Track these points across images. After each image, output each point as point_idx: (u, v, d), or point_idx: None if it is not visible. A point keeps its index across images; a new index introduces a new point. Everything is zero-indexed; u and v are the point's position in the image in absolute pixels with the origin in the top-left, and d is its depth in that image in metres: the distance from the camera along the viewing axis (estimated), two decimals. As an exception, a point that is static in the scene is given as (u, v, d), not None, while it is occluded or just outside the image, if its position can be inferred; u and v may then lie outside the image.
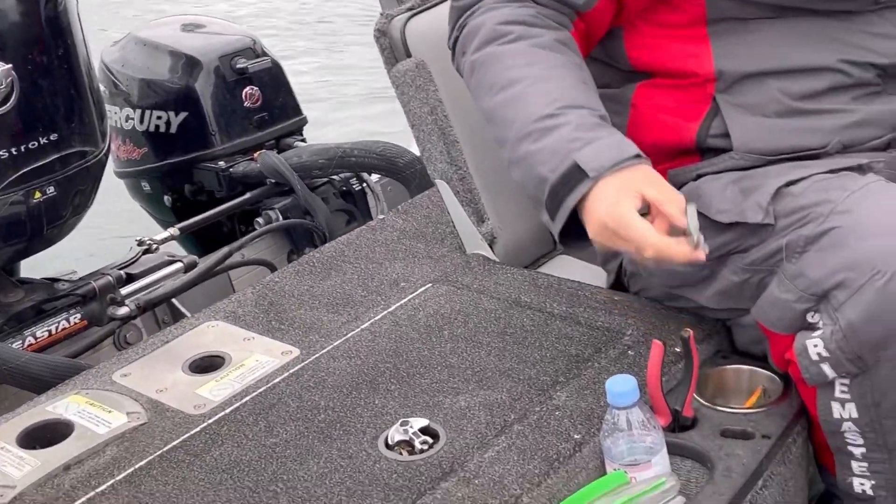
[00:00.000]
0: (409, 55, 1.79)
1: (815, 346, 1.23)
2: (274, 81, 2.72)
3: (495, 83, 1.41)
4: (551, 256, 1.95)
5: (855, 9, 1.40)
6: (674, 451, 1.28)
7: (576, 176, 1.30)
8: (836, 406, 1.28)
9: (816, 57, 1.40)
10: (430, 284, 1.74)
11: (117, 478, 1.32)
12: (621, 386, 1.21)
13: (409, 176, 2.52)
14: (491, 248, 1.84)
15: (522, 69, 1.39)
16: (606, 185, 1.29)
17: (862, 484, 1.33)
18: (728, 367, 1.46)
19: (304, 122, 2.79)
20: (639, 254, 1.27)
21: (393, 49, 1.80)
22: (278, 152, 2.63)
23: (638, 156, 1.31)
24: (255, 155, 2.61)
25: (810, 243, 1.25)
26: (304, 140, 2.76)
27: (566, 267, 1.89)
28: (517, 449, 1.28)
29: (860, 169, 1.36)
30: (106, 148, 2.26)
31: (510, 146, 1.39)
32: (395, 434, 1.32)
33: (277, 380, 1.50)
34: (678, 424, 1.33)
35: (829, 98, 1.42)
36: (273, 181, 2.57)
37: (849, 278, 1.19)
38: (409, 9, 1.82)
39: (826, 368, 1.24)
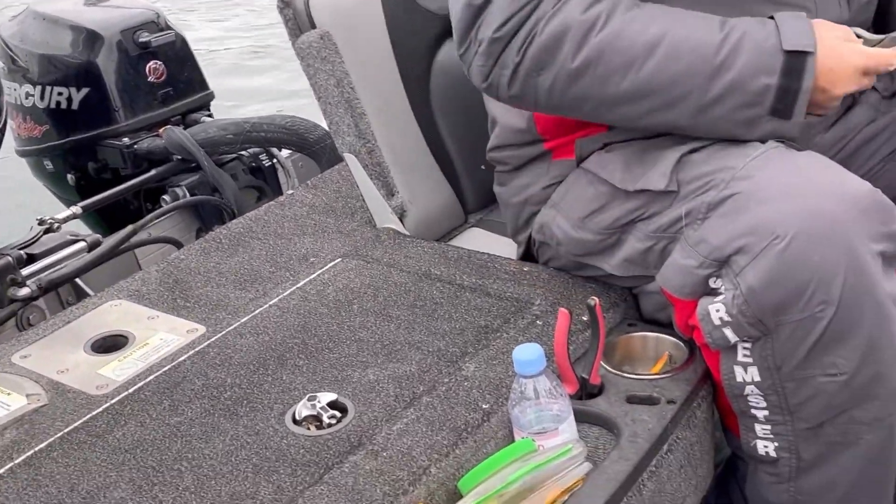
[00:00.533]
0: (313, 26, 1.76)
1: (718, 311, 1.25)
2: (178, 55, 2.66)
3: (633, 59, 1.30)
4: (462, 229, 1.95)
5: None
6: (581, 418, 1.29)
7: (796, 62, 1.27)
8: (738, 370, 1.29)
9: None
10: (339, 259, 1.72)
11: (16, 461, 1.29)
12: (527, 355, 1.21)
13: (319, 151, 2.49)
14: (401, 221, 1.83)
15: (651, 29, 1.30)
16: (824, 45, 1.28)
17: (765, 446, 1.36)
18: (635, 334, 1.48)
19: (212, 96, 2.74)
20: None
21: (297, 20, 1.77)
22: (184, 128, 2.57)
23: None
24: (160, 131, 2.55)
25: (712, 209, 1.26)
26: (210, 115, 2.71)
27: (477, 239, 1.89)
28: (426, 420, 1.27)
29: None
30: (2, 125, 2.19)
31: (696, 95, 1.30)
32: (302, 409, 1.30)
33: (182, 358, 1.47)
34: (585, 392, 1.34)
35: None
36: (179, 157, 2.52)
37: (749, 243, 1.21)
38: (314, -21, 1.80)
39: (728, 333, 1.26)
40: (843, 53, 1.31)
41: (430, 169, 1.90)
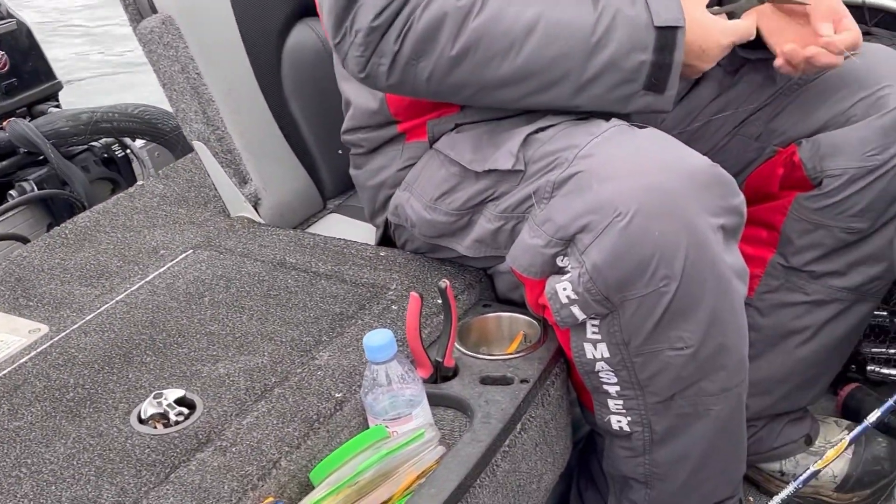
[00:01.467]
0: (154, 11, 1.70)
1: (565, 289, 1.25)
2: (22, 45, 2.54)
3: (512, 42, 1.30)
4: (321, 216, 1.92)
5: None
6: (436, 401, 1.28)
7: (668, 37, 1.29)
8: (588, 347, 1.31)
9: None
10: (191, 251, 1.67)
11: None
12: (377, 341, 1.20)
13: (174, 139, 2.42)
14: (256, 209, 1.80)
15: (527, 12, 1.30)
16: (692, 20, 1.31)
17: (619, 421, 1.37)
18: (489, 314, 1.48)
19: (59, 87, 2.63)
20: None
21: (137, 4, 1.70)
22: (30, 120, 2.46)
23: None
24: (4, 124, 2.44)
25: (557, 188, 1.27)
26: (58, 106, 2.60)
27: (336, 225, 1.87)
28: (277, 413, 1.25)
29: (606, 115, 1.39)
30: None
31: (575, 76, 1.31)
32: (148, 408, 1.26)
33: (23, 360, 1.41)
34: (440, 375, 1.33)
35: None
36: (25, 151, 2.41)
37: (592, 221, 1.21)
38: (154, -38, 1.73)
39: (576, 311, 1.26)
40: (708, 27, 1.35)
41: (285, 155, 1.86)
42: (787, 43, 1.42)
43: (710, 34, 1.35)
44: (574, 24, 1.30)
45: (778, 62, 1.45)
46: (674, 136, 1.50)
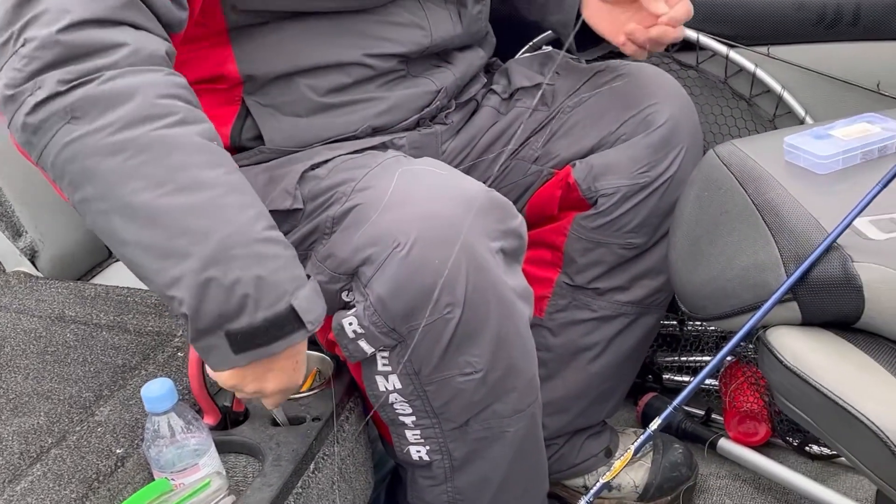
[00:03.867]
0: None
1: (351, 323, 1.24)
2: None
3: (168, 179, 1.04)
4: (106, 265, 1.85)
5: (372, 5, 1.43)
6: (225, 448, 1.25)
7: (290, 323, 1.09)
8: (380, 379, 1.30)
9: (341, 53, 1.41)
10: (-39, 311, 1.58)
11: None
12: (156, 391, 1.15)
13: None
14: (33, 263, 1.71)
15: (209, 171, 1.06)
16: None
17: (418, 451, 1.37)
18: (281, 354, 1.44)
19: None
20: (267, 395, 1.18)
21: None
22: None
23: None
24: None
25: (336, 223, 1.26)
26: None
27: (122, 273, 1.78)
28: (53, 475, 1.18)
29: (383, 147, 1.40)
30: None
31: (199, 258, 1.04)
32: None
33: None
34: (230, 420, 1.30)
35: (358, 90, 1.43)
36: None
37: (373, 253, 1.21)
38: None
39: (363, 345, 1.25)
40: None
41: (63, 204, 1.77)
42: (625, 25, 1.47)
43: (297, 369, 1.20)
44: (238, 220, 1.07)
45: (620, 41, 1.50)
46: (455, 164, 1.53)
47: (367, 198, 1.24)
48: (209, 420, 1.26)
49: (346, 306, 1.26)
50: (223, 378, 1.13)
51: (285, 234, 1.32)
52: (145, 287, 1.60)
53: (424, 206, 1.21)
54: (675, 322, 2.02)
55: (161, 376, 1.32)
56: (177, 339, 1.44)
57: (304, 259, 1.32)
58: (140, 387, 1.32)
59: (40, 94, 1.03)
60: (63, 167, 1.05)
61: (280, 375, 1.15)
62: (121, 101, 1.04)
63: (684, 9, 1.45)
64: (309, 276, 1.13)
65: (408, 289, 1.20)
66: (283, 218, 1.33)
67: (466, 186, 1.26)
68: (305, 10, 1.39)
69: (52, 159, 1.05)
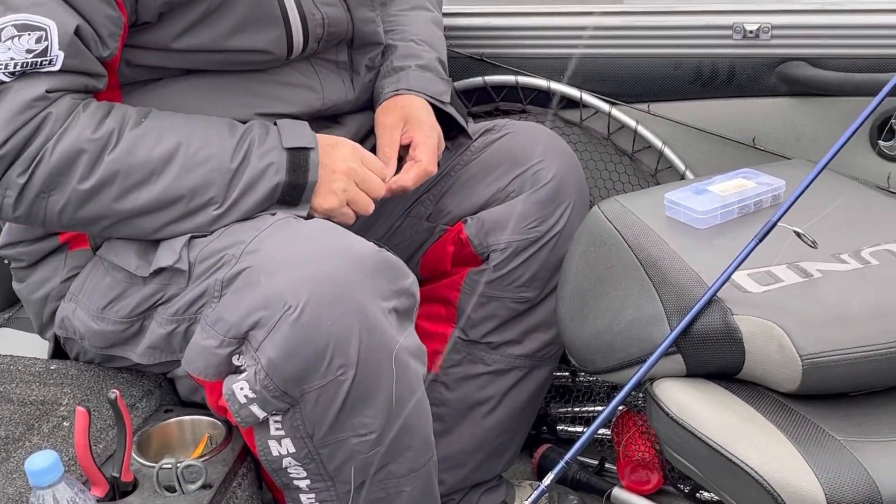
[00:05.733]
0: None
1: (242, 388, 1.23)
2: None
3: (150, 174, 1.27)
4: (-15, 334, 1.79)
5: (266, 66, 1.44)
6: (112, 521, 1.21)
7: (300, 156, 1.33)
8: (273, 444, 1.28)
9: (233, 112, 1.40)
10: None
11: None
12: (39, 463, 1.11)
13: None
14: None
15: (164, 143, 1.28)
16: (324, 145, 1.36)
17: (314, 514, 1.35)
18: (171, 420, 1.42)
19: None
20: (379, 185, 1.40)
21: None
22: None
23: None
24: None
25: (226, 286, 1.25)
26: None
27: (7, 341, 1.74)
28: (-70, 557, 1.13)
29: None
30: None
31: (217, 202, 1.30)
32: None
33: None
34: (118, 491, 1.26)
35: None
36: None
37: (264, 317, 1.20)
38: None
39: (255, 409, 1.24)
40: (338, 147, 1.39)
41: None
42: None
43: (341, 158, 1.38)
44: (212, 151, 1.30)
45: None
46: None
47: (257, 260, 1.24)
48: (97, 492, 1.22)
49: (238, 371, 1.24)
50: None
51: (173, 297, 1.32)
52: (29, 355, 1.58)
53: (315, 267, 1.22)
54: (567, 373, 2.05)
55: (46, 447, 1.28)
56: (62, 409, 1.40)
57: (192, 323, 1.31)
58: (24, 459, 1.28)
59: (11, 194, 1.26)
60: (72, 224, 1.31)
61: (351, 170, 1.37)
62: (72, 160, 1.25)
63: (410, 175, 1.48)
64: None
65: (299, 352, 1.20)
66: (171, 280, 1.31)
67: (357, 247, 1.27)
68: (199, 69, 1.39)
69: (57, 223, 1.30)
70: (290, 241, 1.26)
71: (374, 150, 1.58)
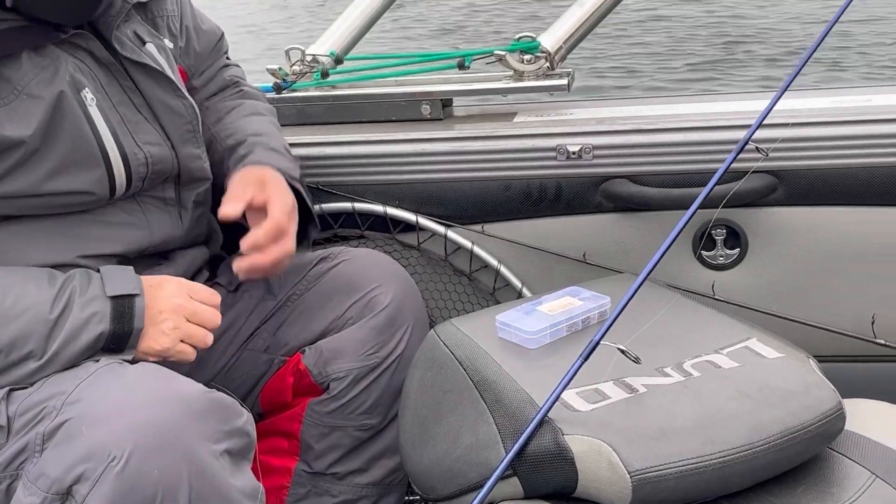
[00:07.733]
0: None
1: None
2: None
3: None
4: None
5: (86, 208, 1.42)
6: None
7: (125, 304, 1.31)
8: None
9: (56, 255, 1.38)
10: None
11: None
12: None
13: None
14: None
15: None
16: (147, 287, 1.34)
17: None
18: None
19: None
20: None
21: None
22: None
23: None
24: None
25: (47, 440, 1.20)
26: None
27: None
28: None
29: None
30: None
31: (36, 355, 1.27)
32: None
33: None
34: None
35: None
36: None
37: (87, 470, 1.15)
38: None
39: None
40: (182, 283, 1.39)
41: None
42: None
43: (174, 288, 1.38)
44: (31, 303, 1.28)
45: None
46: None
47: (79, 411, 1.20)
48: None
49: (63, 529, 1.19)
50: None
51: (-8, 454, 1.25)
52: None
53: (140, 414, 1.18)
54: (417, 497, 2.03)
55: None
56: None
57: (14, 480, 1.25)
58: None
59: None
60: None
61: (178, 306, 1.36)
62: None
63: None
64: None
65: (127, 503, 1.15)
66: (-13, 434, 1.26)
67: (184, 389, 1.24)
68: (19, 214, 1.36)
69: None
70: (113, 389, 1.23)
71: (208, 282, 1.57)
